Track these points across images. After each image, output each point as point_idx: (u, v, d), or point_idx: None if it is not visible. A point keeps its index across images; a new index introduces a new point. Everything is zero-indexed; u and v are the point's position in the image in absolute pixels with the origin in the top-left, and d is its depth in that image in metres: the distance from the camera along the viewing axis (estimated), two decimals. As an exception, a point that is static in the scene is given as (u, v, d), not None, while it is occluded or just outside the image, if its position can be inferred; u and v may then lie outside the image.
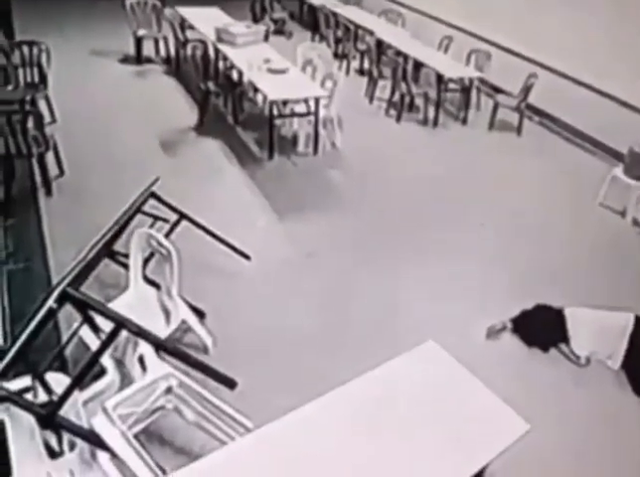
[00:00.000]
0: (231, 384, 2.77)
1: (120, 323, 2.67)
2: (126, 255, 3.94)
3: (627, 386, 4.02)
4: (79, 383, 2.70)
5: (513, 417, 2.60)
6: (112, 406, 2.62)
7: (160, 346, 2.93)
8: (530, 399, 3.20)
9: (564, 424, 3.66)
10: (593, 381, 4.06)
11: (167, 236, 3.86)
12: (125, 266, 3.99)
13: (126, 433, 2.54)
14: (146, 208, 3.92)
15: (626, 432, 3.70)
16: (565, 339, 4.17)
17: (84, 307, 2.85)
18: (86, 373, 2.74)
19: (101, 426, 2.54)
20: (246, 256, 4.38)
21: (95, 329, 3.01)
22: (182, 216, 4.13)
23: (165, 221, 4.11)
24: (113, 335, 2.69)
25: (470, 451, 2.46)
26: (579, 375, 4.10)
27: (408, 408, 2.60)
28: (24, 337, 2.61)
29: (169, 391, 2.98)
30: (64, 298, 2.67)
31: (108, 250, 3.85)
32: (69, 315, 3.13)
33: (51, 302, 2.63)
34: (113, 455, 2.54)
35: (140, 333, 2.78)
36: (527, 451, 2.67)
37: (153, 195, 3.95)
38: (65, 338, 3.48)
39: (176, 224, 4.11)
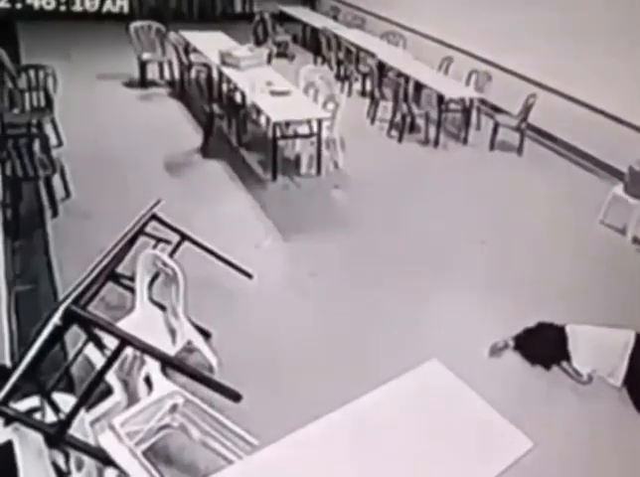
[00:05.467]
0: (235, 396, 2.75)
1: (125, 340, 2.68)
2: (130, 278, 3.99)
3: (629, 402, 4.04)
4: (85, 400, 2.72)
5: (516, 435, 2.60)
6: (120, 424, 2.65)
7: (165, 361, 2.94)
8: (532, 417, 3.21)
9: (568, 442, 3.67)
10: (596, 398, 4.07)
11: (170, 256, 3.89)
12: (130, 289, 4.04)
13: (134, 450, 2.56)
14: (149, 229, 3.96)
15: (630, 449, 3.70)
16: (567, 356, 4.19)
17: (89, 325, 2.87)
18: (93, 391, 2.75)
19: (109, 443, 2.57)
20: (249, 276, 4.40)
21: (100, 346, 3.03)
22: (184, 237, 4.15)
23: (167, 242, 4.15)
24: (118, 352, 2.70)
25: (473, 470, 2.47)
26: (582, 392, 4.12)
27: (412, 427, 2.61)
28: (30, 355, 2.63)
29: (174, 409, 3.01)
30: (68, 317, 2.68)
31: (112, 273, 3.89)
32: (76, 336, 3.16)
33: (55, 320, 2.64)
34: (121, 472, 2.56)
35: (145, 349, 2.78)
36: (530, 469, 2.68)
37: (155, 217, 3.98)
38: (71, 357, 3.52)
39: (178, 245, 4.14)
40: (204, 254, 4.15)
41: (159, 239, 4.11)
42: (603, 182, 7.25)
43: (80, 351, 3.18)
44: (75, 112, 7.84)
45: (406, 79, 8.68)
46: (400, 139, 8.22)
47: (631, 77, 7.23)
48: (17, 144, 5.56)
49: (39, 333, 2.68)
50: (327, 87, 7.62)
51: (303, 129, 6.93)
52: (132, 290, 3.95)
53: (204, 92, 7.93)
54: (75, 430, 2.69)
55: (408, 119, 8.37)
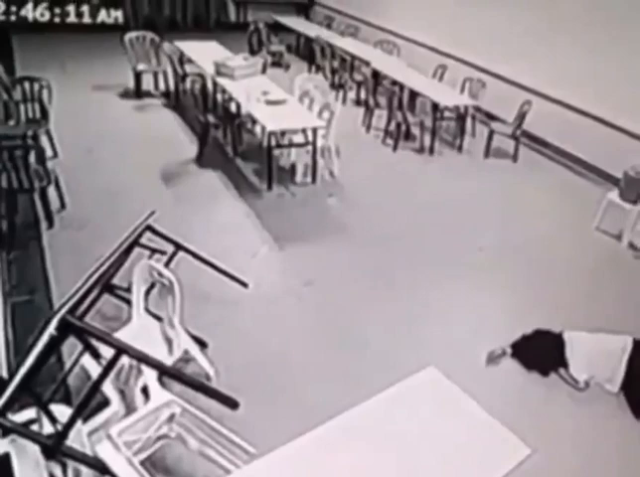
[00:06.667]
0: (232, 404, 2.74)
1: (120, 349, 2.66)
2: (126, 289, 3.98)
3: (627, 408, 4.04)
4: (82, 410, 2.70)
5: (514, 442, 2.60)
6: (117, 433, 2.64)
7: (162, 370, 2.93)
8: (530, 424, 3.21)
9: (565, 448, 3.67)
10: (593, 404, 4.07)
11: (165, 267, 3.89)
12: (125, 300, 4.03)
13: (132, 460, 2.55)
14: (144, 240, 3.95)
15: (628, 455, 3.70)
16: (564, 363, 4.20)
17: (84, 334, 2.85)
18: (89, 401, 2.73)
19: (107, 453, 2.56)
20: (245, 285, 4.39)
21: (97, 356, 3.01)
22: (178, 247, 4.15)
23: (162, 253, 4.15)
24: (114, 361, 2.69)
25: None
26: (579, 398, 4.12)
27: (409, 435, 2.61)
28: (27, 365, 2.61)
29: (172, 418, 3.00)
30: (64, 326, 2.66)
31: (107, 284, 3.88)
32: (72, 347, 3.15)
33: (50, 330, 2.63)
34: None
35: (141, 358, 2.77)
36: (528, 475, 2.68)
37: (149, 228, 3.96)
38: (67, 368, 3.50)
39: (173, 255, 4.14)
40: (199, 264, 4.15)
41: (154, 250, 4.11)
42: (598, 188, 7.28)
43: (76, 361, 3.17)
44: (70, 124, 7.84)
45: (401, 87, 8.71)
46: (395, 147, 8.24)
47: (626, 84, 7.26)
48: (12, 156, 5.55)
49: (34, 344, 2.66)
50: (322, 96, 7.63)
51: (298, 138, 6.94)
52: (128, 302, 3.95)
53: (199, 103, 7.93)
54: (72, 441, 2.68)
55: (403, 127, 8.40)
